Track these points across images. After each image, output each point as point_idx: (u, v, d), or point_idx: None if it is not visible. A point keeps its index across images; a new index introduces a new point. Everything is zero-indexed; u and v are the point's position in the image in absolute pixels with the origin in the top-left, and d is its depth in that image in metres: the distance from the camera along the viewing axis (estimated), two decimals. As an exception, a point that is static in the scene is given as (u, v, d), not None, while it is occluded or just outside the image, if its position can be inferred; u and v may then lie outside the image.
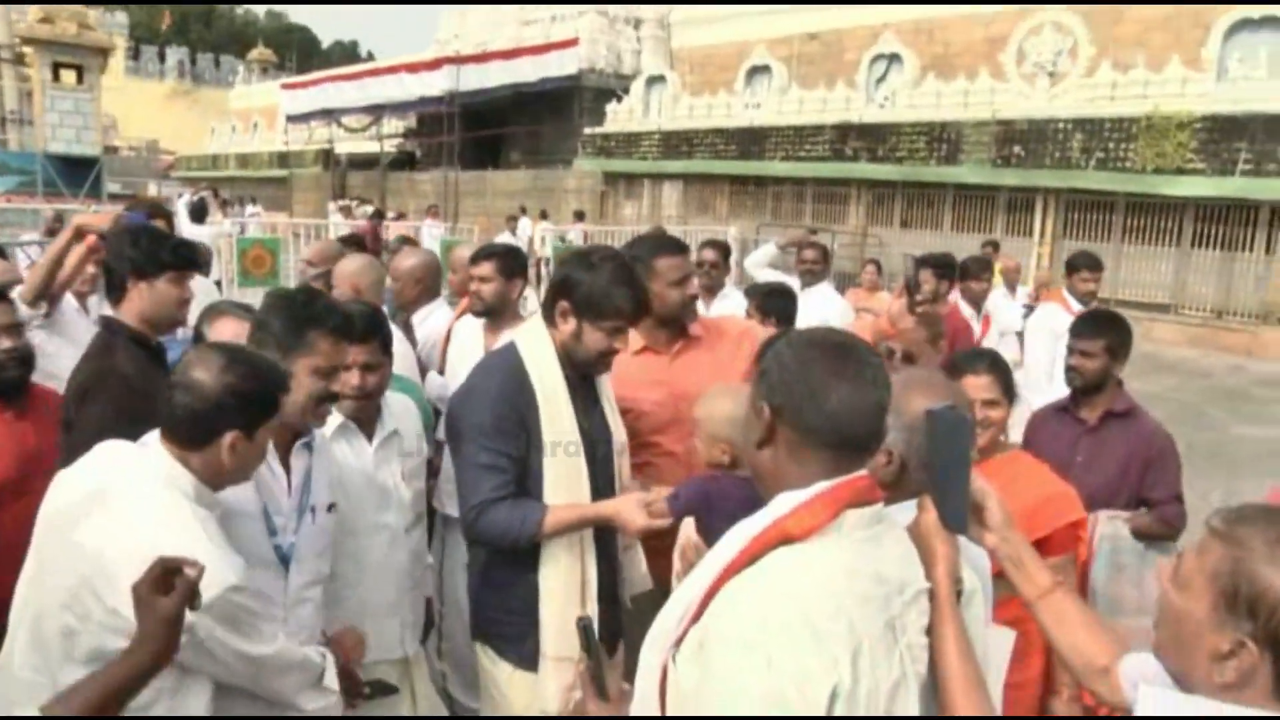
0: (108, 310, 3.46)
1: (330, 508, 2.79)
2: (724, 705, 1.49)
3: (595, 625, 2.61)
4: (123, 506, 2.16)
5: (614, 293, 2.86)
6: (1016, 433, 4.35)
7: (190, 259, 3.58)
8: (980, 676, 1.71)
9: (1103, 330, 4.02)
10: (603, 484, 3.01)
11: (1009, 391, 3.32)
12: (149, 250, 3.39)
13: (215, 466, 2.26)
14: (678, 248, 3.71)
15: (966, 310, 6.73)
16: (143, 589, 1.84)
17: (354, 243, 6.28)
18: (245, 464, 2.32)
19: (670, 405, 3.56)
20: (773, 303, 4.92)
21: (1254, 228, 17.21)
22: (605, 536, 3.05)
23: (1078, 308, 6.11)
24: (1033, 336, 6.41)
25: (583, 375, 3.01)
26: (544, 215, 25.55)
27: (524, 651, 2.93)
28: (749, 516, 1.69)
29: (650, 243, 3.75)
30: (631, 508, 2.79)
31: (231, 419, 2.23)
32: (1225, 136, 16.80)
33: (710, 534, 2.60)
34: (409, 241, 7.34)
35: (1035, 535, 3.04)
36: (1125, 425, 4.01)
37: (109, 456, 2.29)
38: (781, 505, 1.65)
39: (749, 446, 1.77)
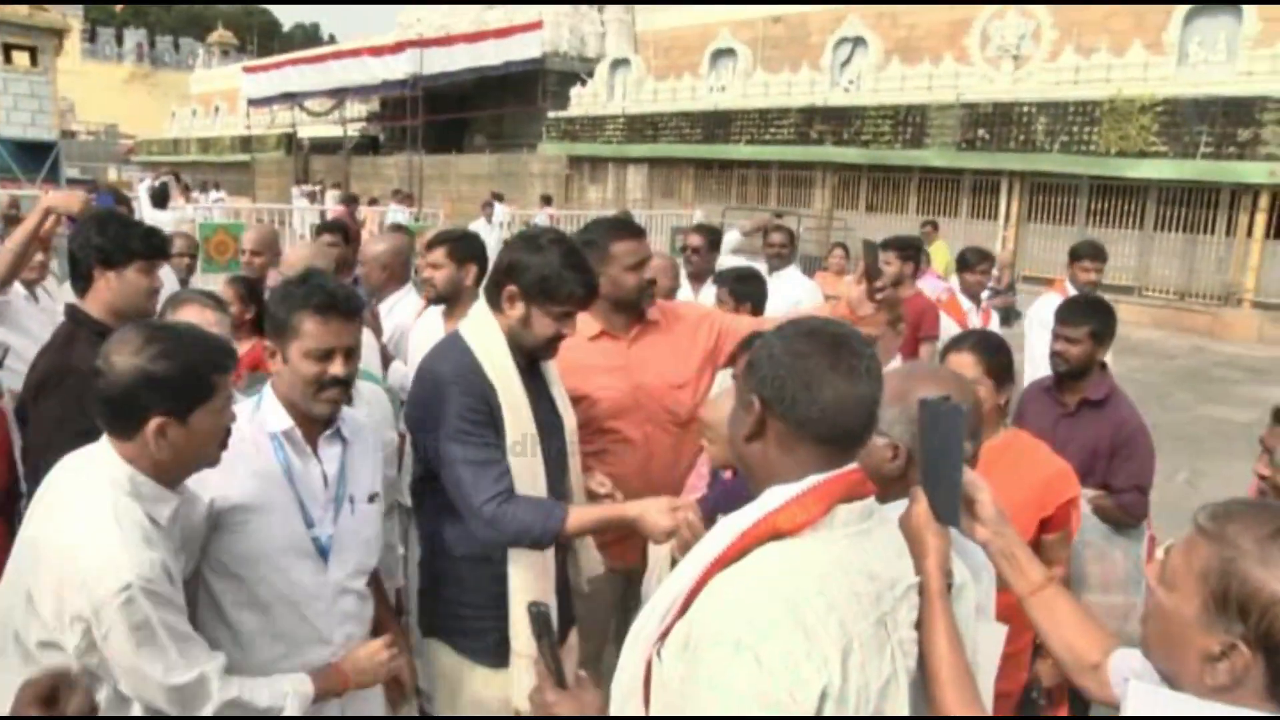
0: (63, 298, 3.37)
1: (372, 498, 2.72)
2: (711, 704, 1.45)
3: (553, 612, 2.60)
4: (50, 498, 2.13)
5: (566, 276, 2.76)
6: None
7: (160, 247, 3.49)
8: (969, 671, 1.69)
9: (1087, 316, 4.05)
10: (556, 475, 2.94)
11: (1000, 372, 3.29)
12: (117, 238, 3.29)
13: (148, 455, 2.12)
14: (634, 231, 3.64)
15: (966, 304, 6.63)
16: (24, 699, 1.68)
17: (336, 229, 6.16)
18: (187, 451, 2.16)
19: (628, 391, 3.51)
20: (744, 288, 4.90)
21: (1215, 210, 17.42)
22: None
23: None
24: (1031, 328, 6.28)
25: (531, 361, 2.92)
26: (499, 198, 25.26)
27: (486, 646, 2.87)
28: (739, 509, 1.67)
29: (606, 226, 3.67)
30: (656, 511, 2.69)
31: (151, 403, 2.08)
32: (1186, 119, 16.96)
33: None
34: (400, 230, 7.25)
35: (1043, 514, 3.16)
36: (1098, 413, 4.04)
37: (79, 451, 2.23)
38: (772, 499, 1.62)
39: (737, 440, 1.73)
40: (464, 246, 4.27)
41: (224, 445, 2.26)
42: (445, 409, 2.73)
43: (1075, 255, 6.32)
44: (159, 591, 2.04)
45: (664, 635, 1.61)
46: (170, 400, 2.10)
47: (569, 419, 3.08)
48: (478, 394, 2.75)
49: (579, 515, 2.74)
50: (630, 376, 3.54)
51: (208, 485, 2.40)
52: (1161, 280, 18.18)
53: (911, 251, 6.47)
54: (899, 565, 1.70)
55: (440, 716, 2.97)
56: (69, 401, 2.89)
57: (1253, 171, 16.28)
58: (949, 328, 5.86)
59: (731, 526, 1.63)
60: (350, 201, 20.58)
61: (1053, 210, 19.85)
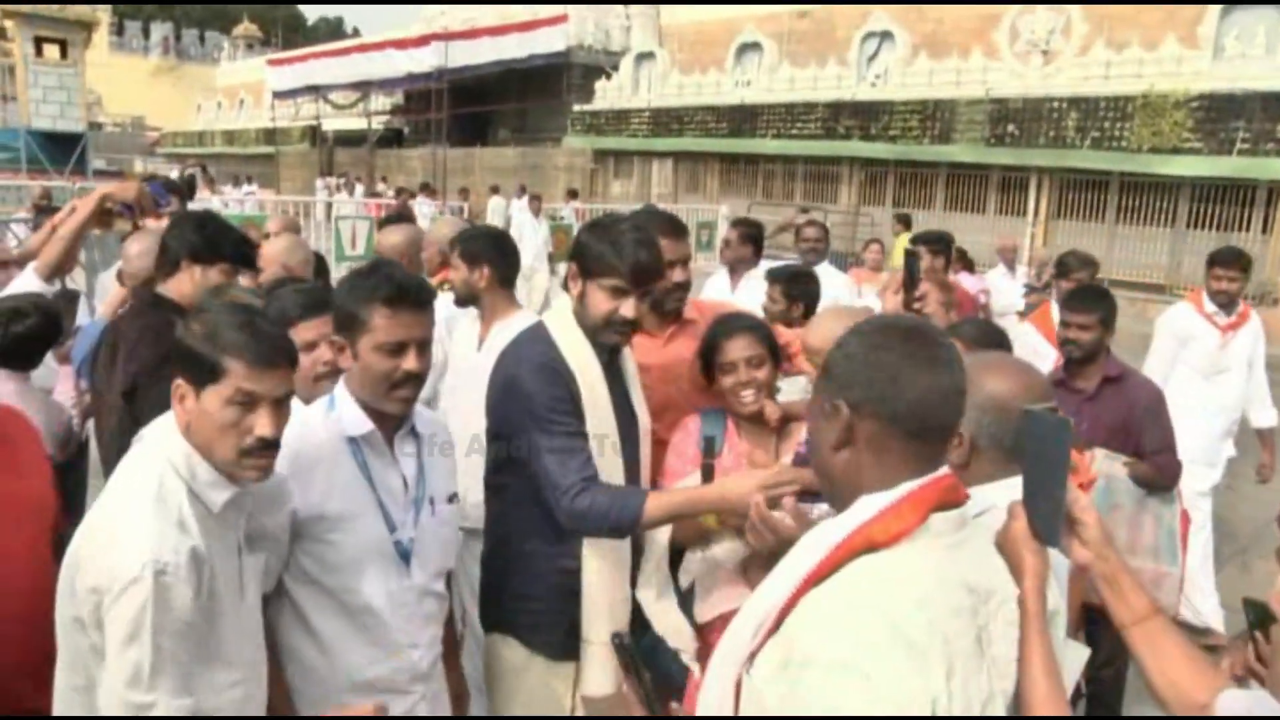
0: (102, 289, 3.37)
1: (451, 498, 2.68)
2: None
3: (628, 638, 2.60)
4: (116, 471, 2.13)
5: (616, 248, 2.72)
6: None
7: (249, 258, 3.70)
8: (1065, 700, 1.59)
9: (1095, 304, 4.36)
10: (631, 477, 2.89)
11: None
12: (212, 239, 3.46)
13: (180, 421, 2.09)
14: (675, 229, 3.57)
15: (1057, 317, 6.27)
16: None
17: (402, 220, 6.26)
18: (200, 429, 2.05)
19: (661, 390, 3.41)
20: (798, 287, 4.81)
21: (1251, 208, 17.15)
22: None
23: (1211, 309, 5.80)
24: (1159, 335, 6.02)
25: (611, 353, 2.87)
26: (495, 190, 24.70)
27: (553, 640, 2.84)
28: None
29: (646, 218, 3.55)
30: (735, 486, 2.52)
31: (177, 366, 2.09)
32: (1222, 115, 16.69)
33: None
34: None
35: None
36: (1119, 388, 4.32)
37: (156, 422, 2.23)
38: (864, 510, 1.55)
39: (823, 452, 1.65)
40: (474, 246, 4.03)
41: (249, 454, 2.07)
42: (533, 399, 2.69)
43: (1209, 262, 5.90)
44: (171, 590, 1.91)
45: (754, 655, 1.55)
46: (186, 367, 2.07)
47: (644, 418, 3.03)
48: (562, 383, 2.71)
49: (658, 501, 2.63)
50: (665, 376, 3.46)
51: (291, 496, 2.37)
52: (1194, 279, 17.75)
53: (941, 246, 6.36)
54: (994, 578, 1.62)
55: (510, 717, 2.92)
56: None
57: (1292, 169, 15.96)
58: (1037, 343, 5.57)
59: (822, 540, 1.56)
60: (400, 193, 20.38)
61: (1082, 207, 19.64)
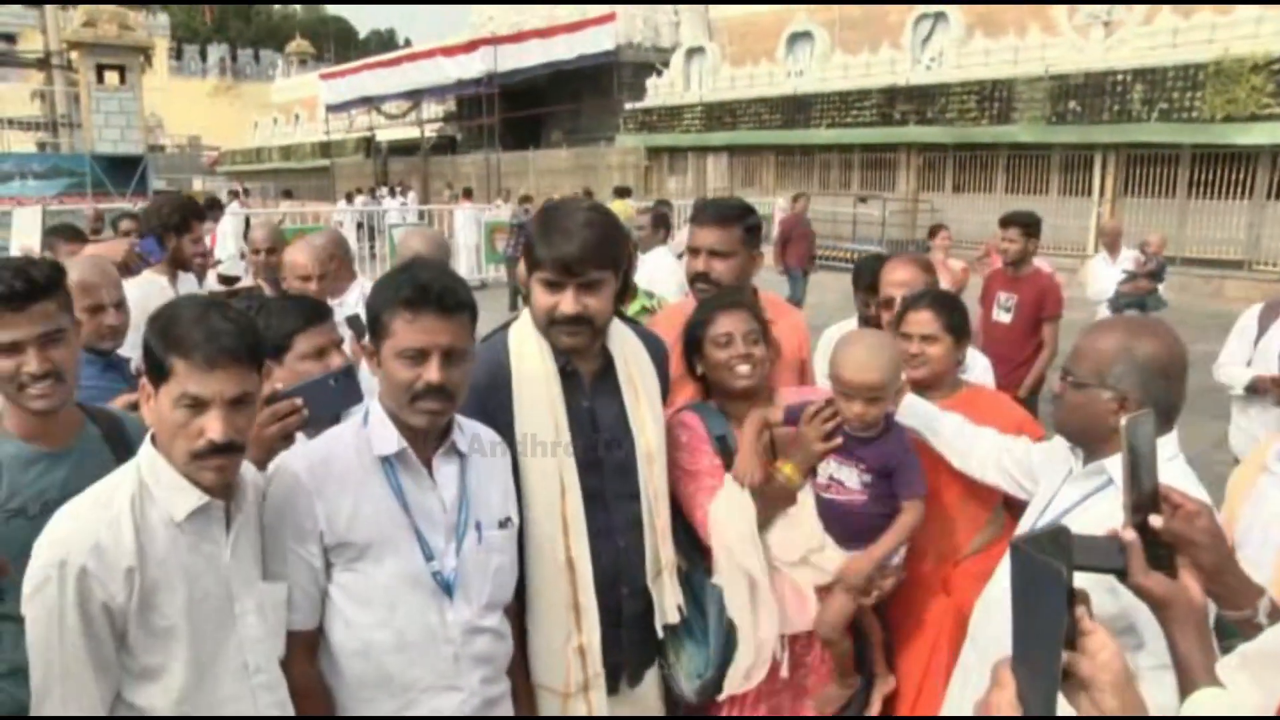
0: None
1: (504, 523, 2.43)
2: None
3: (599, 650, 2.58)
4: None
5: (544, 234, 2.49)
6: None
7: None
8: None
9: None
10: (618, 497, 2.67)
11: (955, 328, 3.18)
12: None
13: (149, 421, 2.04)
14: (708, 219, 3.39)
15: None
16: None
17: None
18: (159, 428, 1.99)
19: None
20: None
21: (1336, 174, 16.34)
22: (627, 560, 2.70)
23: None
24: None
25: (604, 367, 2.68)
26: (468, 194, 23.93)
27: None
28: None
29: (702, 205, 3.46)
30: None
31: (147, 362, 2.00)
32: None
33: None
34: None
35: None
36: None
37: None
38: None
39: None
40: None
41: (200, 457, 1.95)
42: None
43: None
44: (91, 602, 1.89)
45: None
46: (147, 366, 1.99)
47: (647, 438, 2.73)
48: (479, 396, 2.49)
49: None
50: None
51: (315, 519, 2.20)
52: (1274, 253, 17.14)
53: (1034, 228, 6.30)
54: None
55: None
56: None
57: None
58: None
59: None
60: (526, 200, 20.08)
61: (1151, 183, 18.92)
